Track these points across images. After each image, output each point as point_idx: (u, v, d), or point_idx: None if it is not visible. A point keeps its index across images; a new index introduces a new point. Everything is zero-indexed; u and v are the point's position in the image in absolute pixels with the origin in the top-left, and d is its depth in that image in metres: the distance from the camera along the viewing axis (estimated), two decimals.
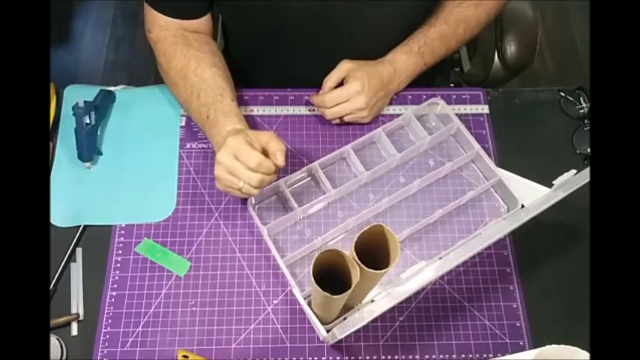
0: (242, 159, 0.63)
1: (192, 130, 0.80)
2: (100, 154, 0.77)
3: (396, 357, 0.67)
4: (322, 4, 0.73)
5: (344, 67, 0.77)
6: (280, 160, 0.64)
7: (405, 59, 0.78)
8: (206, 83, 0.72)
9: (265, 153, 0.65)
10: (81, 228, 0.72)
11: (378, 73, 0.76)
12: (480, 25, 0.82)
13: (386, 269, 0.51)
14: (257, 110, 0.82)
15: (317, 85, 0.82)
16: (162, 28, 0.77)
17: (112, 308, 0.68)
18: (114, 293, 0.69)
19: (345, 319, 0.57)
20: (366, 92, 0.75)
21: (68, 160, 0.76)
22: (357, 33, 0.78)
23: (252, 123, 0.80)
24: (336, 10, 0.75)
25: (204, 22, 0.79)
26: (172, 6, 0.75)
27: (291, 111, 0.82)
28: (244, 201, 0.74)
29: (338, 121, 0.79)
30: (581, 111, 0.83)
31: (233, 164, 0.63)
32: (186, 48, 0.75)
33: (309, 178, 0.77)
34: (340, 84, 0.77)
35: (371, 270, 0.50)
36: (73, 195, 0.74)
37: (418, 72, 0.80)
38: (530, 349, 0.63)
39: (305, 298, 0.64)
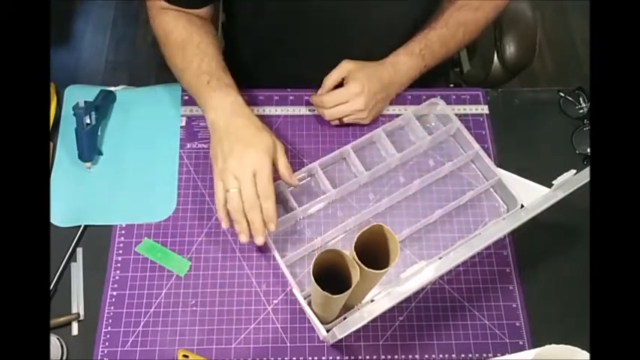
0: (264, 202, 0.64)
1: (192, 130, 0.80)
2: (101, 154, 0.77)
3: (396, 357, 0.67)
4: (333, 3, 0.73)
5: (345, 67, 0.77)
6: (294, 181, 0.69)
7: (407, 61, 0.78)
8: (209, 56, 0.72)
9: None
10: (81, 228, 0.72)
11: (379, 74, 0.76)
12: (479, 28, 0.82)
13: (386, 269, 0.51)
14: (257, 110, 0.82)
15: (320, 86, 0.82)
16: (162, 6, 0.76)
17: (112, 308, 0.68)
18: (114, 293, 0.69)
19: (345, 318, 0.57)
20: (365, 94, 0.75)
21: (68, 160, 0.76)
22: (365, 32, 0.78)
23: None
24: (347, 9, 0.75)
25: (206, 12, 0.79)
26: None
27: (291, 111, 0.82)
28: None
29: (337, 122, 0.79)
30: (581, 111, 0.83)
31: (251, 199, 0.63)
32: (188, 24, 0.75)
33: (309, 178, 0.77)
34: (340, 84, 0.77)
35: (371, 270, 0.50)
36: (74, 195, 0.74)
37: (418, 74, 0.80)
38: (529, 348, 0.63)
39: (305, 298, 0.65)
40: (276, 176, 0.75)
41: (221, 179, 0.65)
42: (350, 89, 0.75)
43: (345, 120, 0.78)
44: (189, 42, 0.73)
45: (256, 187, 0.64)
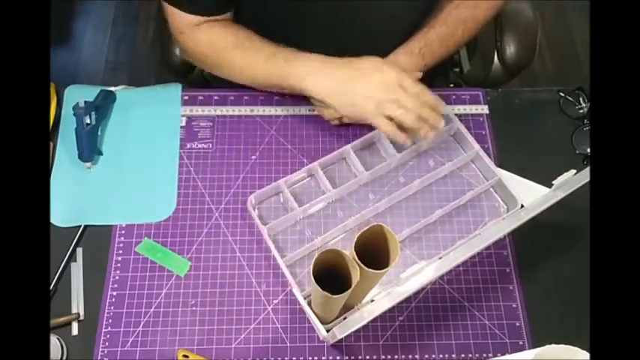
0: (406, 85, 0.69)
1: (192, 130, 0.80)
2: (101, 154, 0.77)
3: (396, 357, 0.67)
4: (334, 4, 0.73)
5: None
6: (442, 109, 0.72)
7: (407, 60, 0.78)
8: (262, 41, 0.74)
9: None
10: (81, 228, 0.72)
11: (384, 66, 0.75)
12: (478, 26, 0.82)
13: (386, 269, 0.51)
14: (257, 110, 0.82)
15: None
16: (193, 24, 0.76)
17: (112, 308, 0.68)
18: (114, 293, 0.69)
19: (345, 318, 0.57)
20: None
21: (68, 160, 0.76)
22: (365, 32, 0.78)
23: (252, 123, 0.81)
24: (348, 9, 0.75)
25: (229, 16, 0.79)
26: (206, 5, 0.75)
27: (291, 111, 0.82)
28: (244, 201, 0.74)
29: (337, 122, 0.79)
30: (581, 111, 0.83)
31: (396, 91, 0.68)
32: (225, 28, 0.76)
33: (309, 178, 0.77)
34: None
35: (371, 270, 0.50)
36: (74, 195, 0.74)
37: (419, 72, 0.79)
38: (529, 348, 0.63)
39: (305, 298, 0.65)
40: (276, 176, 0.75)
41: (381, 114, 0.69)
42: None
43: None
44: (240, 39, 0.74)
45: (409, 93, 0.68)
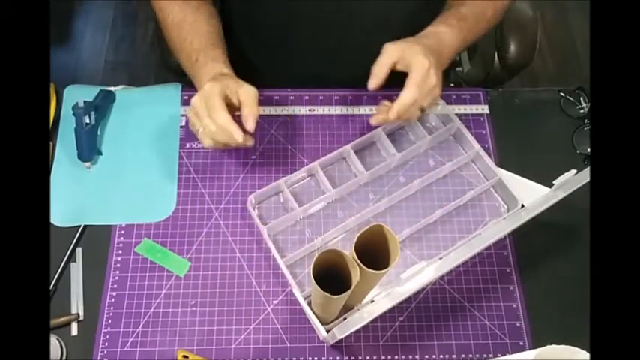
0: (211, 113, 0.64)
1: (192, 130, 0.80)
2: (100, 154, 0.77)
3: (396, 357, 0.67)
4: (331, 3, 0.73)
5: (391, 51, 0.69)
6: (250, 126, 0.65)
7: (447, 31, 0.73)
8: (200, 34, 0.73)
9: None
10: (81, 228, 0.72)
11: (431, 45, 0.70)
12: (502, 8, 0.81)
13: (386, 269, 0.51)
14: None
15: (321, 84, 0.82)
16: None
17: (112, 308, 0.68)
18: (114, 293, 0.69)
19: (345, 319, 0.57)
20: (434, 65, 0.68)
21: (68, 160, 0.76)
22: (363, 28, 0.78)
23: None
24: (345, 5, 0.74)
25: None
26: None
27: (291, 111, 0.82)
28: (244, 201, 0.74)
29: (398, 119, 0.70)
30: (581, 111, 0.83)
31: (200, 111, 0.65)
32: (184, 4, 0.76)
33: (309, 178, 0.77)
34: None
35: (371, 270, 0.50)
36: (73, 195, 0.74)
37: (460, 45, 0.75)
38: (530, 349, 0.63)
39: (305, 298, 0.64)
40: (276, 176, 0.75)
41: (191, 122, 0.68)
42: (419, 71, 0.67)
43: (424, 107, 0.70)
44: (184, 21, 0.74)
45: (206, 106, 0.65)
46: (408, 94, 0.68)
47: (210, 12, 0.78)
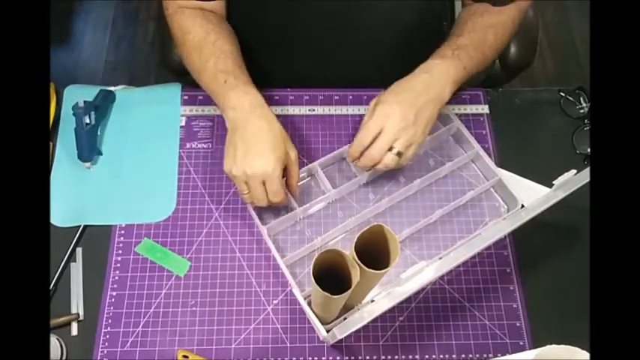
0: (271, 197, 0.67)
1: (192, 130, 0.80)
2: (100, 154, 0.77)
3: (396, 357, 0.67)
4: (332, 4, 0.73)
5: (371, 103, 0.71)
6: (296, 195, 0.72)
7: (440, 62, 0.71)
8: (225, 54, 0.72)
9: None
10: (81, 228, 0.72)
11: (408, 85, 0.70)
12: (506, 31, 0.77)
13: (386, 269, 0.51)
14: None
15: (321, 84, 0.82)
16: (179, 5, 0.76)
17: (112, 308, 0.68)
18: (114, 293, 0.69)
19: (345, 319, 0.57)
20: (398, 108, 0.67)
21: (68, 160, 0.76)
22: (363, 27, 0.78)
23: None
24: (345, 5, 0.74)
25: (220, 6, 0.79)
26: None
27: (291, 111, 0.82)
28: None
29: (369, 165, 0.70)
30: (581, 111, 0.83)
31: (258, 192, 0.66)
32: (205, 22, 0.74)
33: (309, 178, 0.77)
34: None
35: (371, 270, 0.50)
36: (73, 195, 0.74)
37: (461, 75, 0.72)
38: (530, 349, 0.63)
39: (305, 298, 0.64)
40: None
41: (233, 179, 0.67)
42: (376, 116, 0.67)
43: (399, 149, 0.67)
44: (206, 41, 0.72)
45: (266, 191, 0.66)
46: (350, 152, 0.71)
47: (229, 30, 0.78)
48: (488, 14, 0.76)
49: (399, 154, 0.68)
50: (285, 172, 0.68)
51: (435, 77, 0.70)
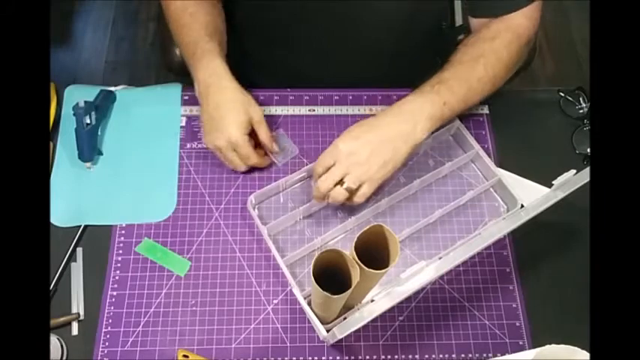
0: (245, 161, 0.73)
1: (192, 130, 0.80)
2: (101, 154, 0.77)
3: (396, 357, 0.67)
4: (331, 3, 0.73)
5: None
6: (275, 148, 0.75)
7: (414, 99, 0.69)
8: (197, 23, 0.74)
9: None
10: (81, 228, 0.72)
11: (376, 121, 0.68)
12: (501, 58, 0.71)
13: (386, 269, 0.51)
14: None
15: (321, 84, 0.82)
16: None
17: (112, 308, 0.68)
18: (114, 293, 0.69)
19: (345, 319, 0.57)
20: (349, 139, 0.66)
21: (68, 160, 0.76)
22: (363, 27, 0.78)
23: None
24: (344, 5, 0.74)
25: None
26: None
27: (291, 111, 0.82)
28: (244, 201, 0.74)
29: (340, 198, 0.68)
30: (581, 111, 0.83)
31: (234, 160, 0.72)
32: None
33: (309, 178, 0.77)
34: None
35: (371, 270, 0.50)
36: (73, 195, 0.74)
37: (440, 112, 0.68)
38: (529, 348, 0.63)
39: (305, 298, 0.65)
40: (276, 176, 0.75)
41: (209, 147, 0.73)
42: (331, 148, 0.67)
43: (349, 186, 0.66)
44: (184, 11, 0.75)
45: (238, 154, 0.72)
46: (315, 188, 0.68)
47: (213, 4, 0.78)
48: (480, 42, 0.72)
49: (349, 189, 0.66)
50: (254, 134, 0.73)
51: (406, 114, 0.68)
